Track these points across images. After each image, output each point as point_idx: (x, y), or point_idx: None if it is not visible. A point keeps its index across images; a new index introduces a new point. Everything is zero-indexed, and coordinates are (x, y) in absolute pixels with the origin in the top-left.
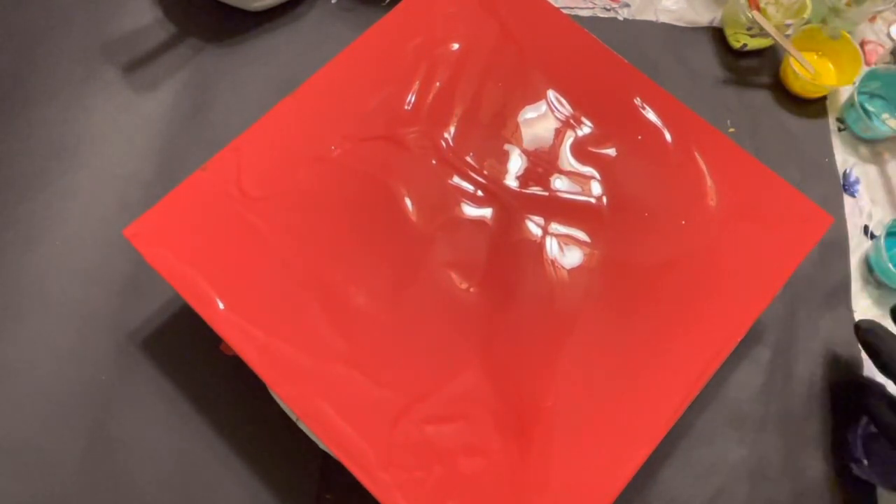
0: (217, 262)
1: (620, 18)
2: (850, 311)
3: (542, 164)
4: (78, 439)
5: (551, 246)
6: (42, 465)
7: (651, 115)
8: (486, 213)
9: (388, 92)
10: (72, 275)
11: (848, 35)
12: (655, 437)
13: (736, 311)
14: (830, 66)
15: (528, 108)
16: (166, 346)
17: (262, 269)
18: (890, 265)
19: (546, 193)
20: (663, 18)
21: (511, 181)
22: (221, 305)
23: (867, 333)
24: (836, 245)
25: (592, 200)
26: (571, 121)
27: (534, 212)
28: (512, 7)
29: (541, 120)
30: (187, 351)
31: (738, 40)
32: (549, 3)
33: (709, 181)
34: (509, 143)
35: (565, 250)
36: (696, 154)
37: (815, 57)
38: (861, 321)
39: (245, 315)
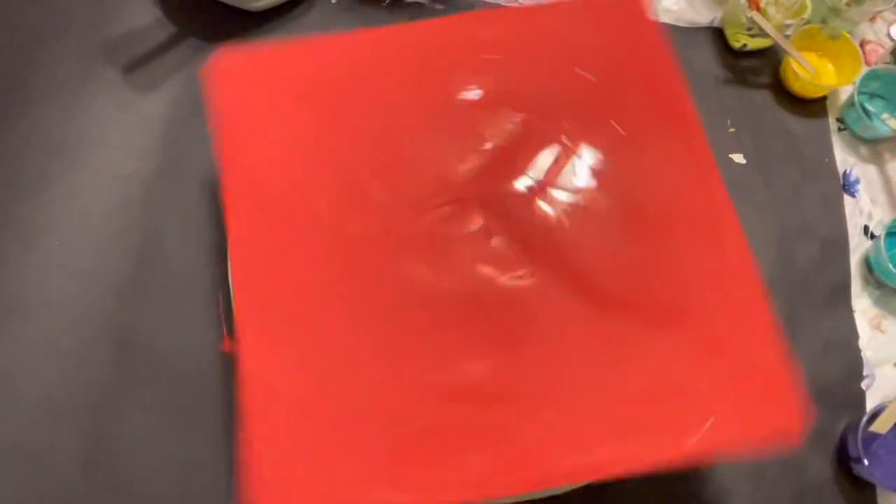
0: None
1: None
2: (850, 311)
3: (545, 185)
4: (78, 439)
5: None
6: (42, 466)
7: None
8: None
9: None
10: (72, 275)
11: (848, 35)
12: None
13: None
14: (830, 66)
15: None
16: (166, 346)
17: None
18: (890, 265)
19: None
20: (663, 18)
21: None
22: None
23: None
24: (836, 245)
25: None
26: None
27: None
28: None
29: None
30: (187, 351)
31: (738, 40)
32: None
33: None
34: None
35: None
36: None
37: (815, 57)
38: None
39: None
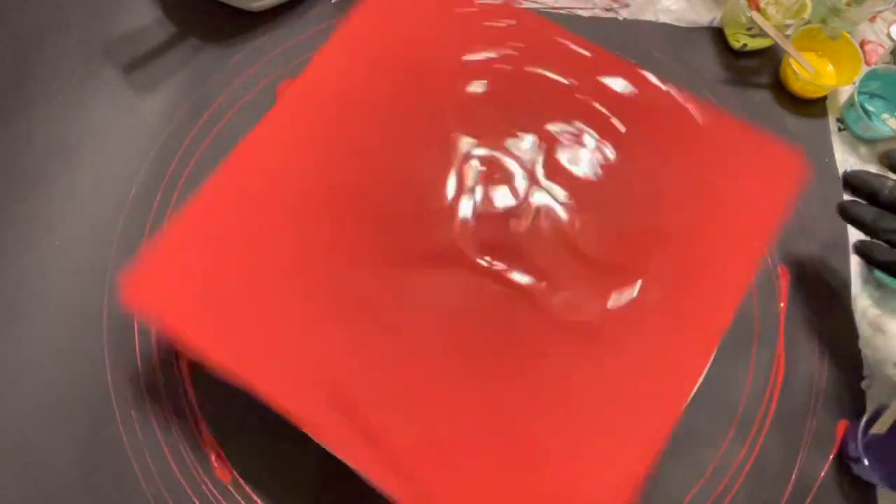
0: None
1: (620, 18)
2: (850, 311)
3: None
4: (78, 439)
5: (535, 244)
6: (42, 466)
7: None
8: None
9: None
10: (72, 275)
11: (848, 35)
12: (661, 435)
13: (729, 282)
14: (830, 66)
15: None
16: (166, 346)
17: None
18: None
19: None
20: (663, 18)
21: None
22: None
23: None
24: (836, 245)
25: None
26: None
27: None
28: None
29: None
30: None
31: (738, 40)
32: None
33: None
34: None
35: (547, 245)
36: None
37: (815, 57)
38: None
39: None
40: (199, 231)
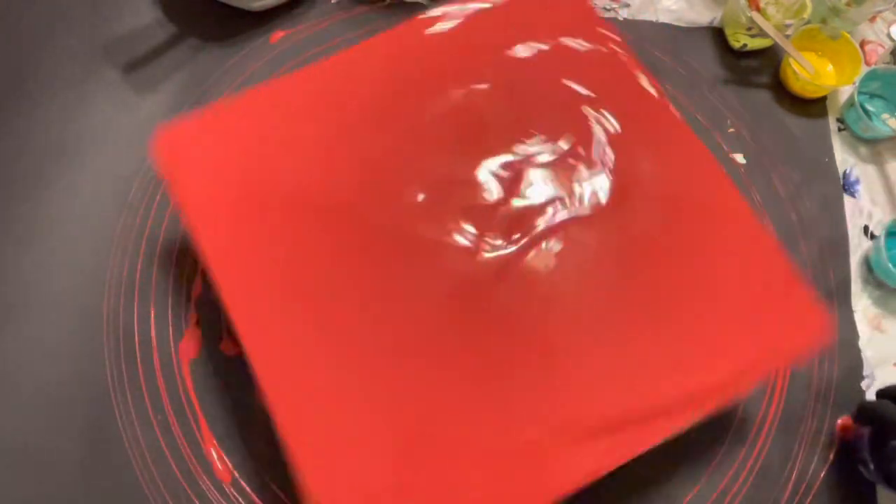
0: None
1: (620, 18)
2: (850, 311)
3: (545, 178)
4: (78, 439)
5: (548, 263)
6: (42, 465)
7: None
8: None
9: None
10: (71, 275)
11: (848, 35)
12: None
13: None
14: (830, 66)
15: (542, 117)
16: (166, 346)
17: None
18: (890, 265)
19: (548, 217)
20: (663, 18)
21: (513, 194)
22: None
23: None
24: (837, 245)
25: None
26: (582, 143)
27: (532, 227)
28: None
29: (551, 134)
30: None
31: (738, 40)
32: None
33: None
34: (514, 154)
35: (562, 268)
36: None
37: (815, 57)
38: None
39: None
40: (241, 121)
